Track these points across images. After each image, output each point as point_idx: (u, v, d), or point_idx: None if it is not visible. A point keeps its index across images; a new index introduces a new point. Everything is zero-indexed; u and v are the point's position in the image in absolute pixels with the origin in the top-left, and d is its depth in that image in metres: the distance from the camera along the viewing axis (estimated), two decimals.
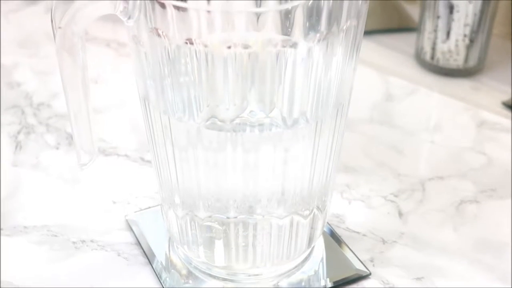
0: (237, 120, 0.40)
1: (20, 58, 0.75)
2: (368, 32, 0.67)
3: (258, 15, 0.37)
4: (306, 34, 0.37)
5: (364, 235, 0.52)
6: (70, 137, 0.61)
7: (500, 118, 0.66)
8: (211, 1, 0.47)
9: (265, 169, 0.42)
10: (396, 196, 0.55)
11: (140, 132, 0.62)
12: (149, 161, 0.58)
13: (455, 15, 0.69)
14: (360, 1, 0.39)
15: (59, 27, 0.38)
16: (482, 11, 0.69)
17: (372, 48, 0.78)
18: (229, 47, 0.36)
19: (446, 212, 0.54)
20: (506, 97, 0.69)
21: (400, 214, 0.54)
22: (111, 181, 0.57)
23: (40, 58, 0.75)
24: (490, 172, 0.59)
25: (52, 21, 0.38)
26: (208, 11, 0.38)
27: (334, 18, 0.37)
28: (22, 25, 0.83)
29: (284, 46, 0.37)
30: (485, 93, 0.70)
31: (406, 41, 0.79)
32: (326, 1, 0.37)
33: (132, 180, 0.57)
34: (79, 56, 0.40)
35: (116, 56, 0.76)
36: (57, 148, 0.60)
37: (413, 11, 0.84)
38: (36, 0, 0.90)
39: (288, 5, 0.35)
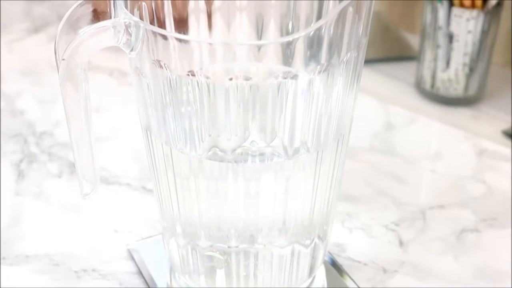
0: (239, 150, 0.40)
1: (23, 87, 0.76)
2: (368, 61, 0.68)
3: (259, 46, 0.37)
4: (307, 65, 0.38)
5: (365, 264, 0.52)
6: (72, 165, 0.61)
7: (500, 146, 0.66)
8: (212, 33, 0.48)
9: (266, 198, 0.43)
10: (397, 225, 0.55)
11: (141, 161, 0.62)
12: (150, 190, 0.59)
13: (455, 45, 0.70)
14: (361, 33, 0.39)
15: (63, 59, 0.38)
16: (481, 41, 0.70)
17: (372, 77, 0.78)
18: (230, 79, 0.37)
19: (447, 241, 0.54)
20: (505, 126, 0.69)
21: (401, 243, 0.54)
22: (112, 210, 0.57)
23: (42, 87, 0.76)
24: (490, 201, 0.59)
25: (55, 53, 0.39)
26: (210, 43, 0.38)
27: (334, 50, 0.38)
28: (25, 54, 0.84)
29: (285, 78, 0.37)
30: (485, 122, 0.71)
31: (406, 70, 0.80)
32: (326, 34, 0.37)
33: (134, 209, 0.57)
34: (82, 87, 0.40)
35: (118, 85, 0.77)
36: (60, 177, 0.61)
37: (413, 40, 0.85)
38: (39, 29, 0.90)
39: (289, 38, 0.36)
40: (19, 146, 0.65)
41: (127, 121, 0.69)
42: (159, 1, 0.44)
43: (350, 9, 0.38)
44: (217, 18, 0.48)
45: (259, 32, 0.49)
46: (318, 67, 0.38)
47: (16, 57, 0.83)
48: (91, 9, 0.39)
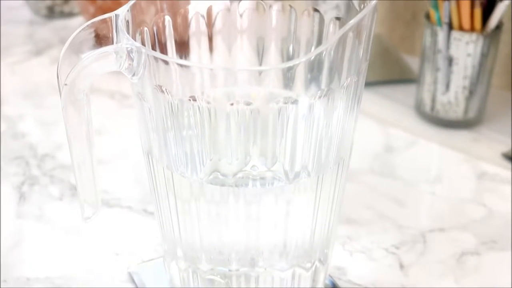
0: (240, 174, 0.41)
1: (25, 109, 0.76)
2: (368, 84, 0.68)
3: (260, 71, 0.37)
4: (307, 89, 0.38)
5: (366, 287, 0.52)
6: (73, 188, 0.62)
7: (500, 169, 0.66)
8: (213, 56, 0.48)
9: (267, 221, 0.43)
10: (397, 248, 0.55)
11: (143, 184, 0.62)
12: (152, 213, 0.59)
13: (454, 68, 0.70)
14: (361, 58, 0.40)
15: (65, 84, 0.38)
16: (481, 64, 0.70)
17: (372, 99, 0.79)
18: (231, 104, 0.37)
19: (447, 264, 0.54)
20: (505, 148, 0.69)
21: (402, 266, 0.54)
22: (114, 232, 0.57)
23: (44, 109, 0.76)
24: (490, 223, 0.59)
25: (58, 77, 0.39)
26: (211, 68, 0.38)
27: (334, 75, 0.38)
28: (27, 76, 0.84)
29: (286, 103, 0.38)
30: (485, 145, 0.71)
31: (406, 92, 0.80)
32: (327, 58, 0.37)
33: (135, 232, 0.57)
34: (84, 111, 0.41)
35: (120, 108, 0.77)
36: (61, 199, 0.61)
37: (413, 62, 0.85)
38: (41, 52, 0.91)
39: (289, 64, 0.36)
40: (20, 168, 0.65)
41: (129, 143, 0.69)
42: (160, 25, 0.45)
43: (350, 34, 0.38)
44: (218, 41, 0.48)
45: (260, 55, 0.49)
46: (319, 92, 0.38)
47: (18, 80, 0.84)
48: (93, 34, 0.39)
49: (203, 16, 0.47)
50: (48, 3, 0.99)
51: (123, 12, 0.40)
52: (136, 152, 0.51)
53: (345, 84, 0.39)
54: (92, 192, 0.44)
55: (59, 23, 0.99)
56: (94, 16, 0.83)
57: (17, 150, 0.68)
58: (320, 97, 0.38)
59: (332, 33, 0.46)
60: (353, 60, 0.39)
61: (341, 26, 0.45)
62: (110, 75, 0.47)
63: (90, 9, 0.84)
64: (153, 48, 0.44)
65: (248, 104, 0.37)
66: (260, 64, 0.49)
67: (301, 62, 0.36)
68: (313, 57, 0.37)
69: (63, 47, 0.39)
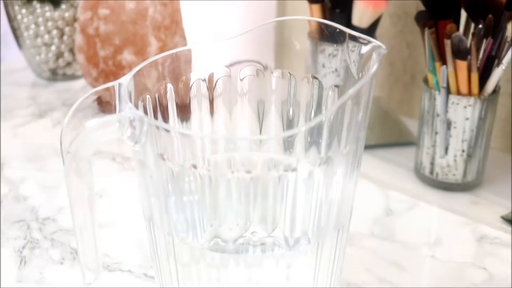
0: (240, 240, 0.41)
1: (27, 172, 0.76)
2: (367, 147, 0.69)
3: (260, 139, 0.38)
4: (307, 152, 0.39)
5: None
6: (74, 251, 0.62)
7: (500, 232, 0.66)
8: (214, 119, 0.49)
9: (267, 286, 0.43)
10: None
11: (143, 247, 0.62)
12: (152, 277, 0.59)
13: (453, 131, 0.71)
14: (360, 126, 0.40)
15: (68, 152, 0.39)
16: (479, 127, 0.71)
17: (371, 162, 0.79)
18: (232, 172, 0.38)
19: None
20: (505, 211, 0.70)
21: None
22: None
23: (46, 172, 0.77)
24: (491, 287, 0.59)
25: (61, 144, 0.39)
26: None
27: (334, 143, 0.39)
28: (29, 139, 0.85)
29: (285, 170, 0.38)
30: (484, 207, 0.71)
31: (406, 155, 0.81)
32: (326, 125, 0.38)
33: None
34: (87, 178, 0.41)
35: (121, 170, 0.77)
36: (62, 263, 0.61)
37: (412, 125, 0.86)
38: (43, 114, 0.92)
39: (289, 133, 0.37)
40: (22, 232, 0.65)
41: (130, 206, 0.69)
42: (162, 91, 0.46)
43: (349, 102, 0.39)
44: (219, 104, 0.49)
45: (260, 117, 0.50)
46: (318, 160, 0.39)
47: (20, 142, 0.84)
48: (96, 101, 0.40)
49: (204, 80, 0.48)
50: (51, 65, 1.00)
51: (126, 80, 0.40)
52: (137, 215, 0.51)
53: (344, 152, 0.40)
54: (93, 257, 0.45)
55: (61, 85, 1.00)
56: (96, 79, 0.85)
57: (18, 214, 0.68)
58: (319, 164, 0.39)
59: (331, 98, 0.46)
60: (352, 128, 0.40)
61: (339, 93, 0.46)
62: None
63: (92, 72, 0.85)
64: (155, 113, 0.45)
65: (248, 172, 0.38)
66: (261, 127, 0.50)
67: (300, 131, 0.37)
68: (312, 125, 0.37)
69: (67, 115, 0.39)
